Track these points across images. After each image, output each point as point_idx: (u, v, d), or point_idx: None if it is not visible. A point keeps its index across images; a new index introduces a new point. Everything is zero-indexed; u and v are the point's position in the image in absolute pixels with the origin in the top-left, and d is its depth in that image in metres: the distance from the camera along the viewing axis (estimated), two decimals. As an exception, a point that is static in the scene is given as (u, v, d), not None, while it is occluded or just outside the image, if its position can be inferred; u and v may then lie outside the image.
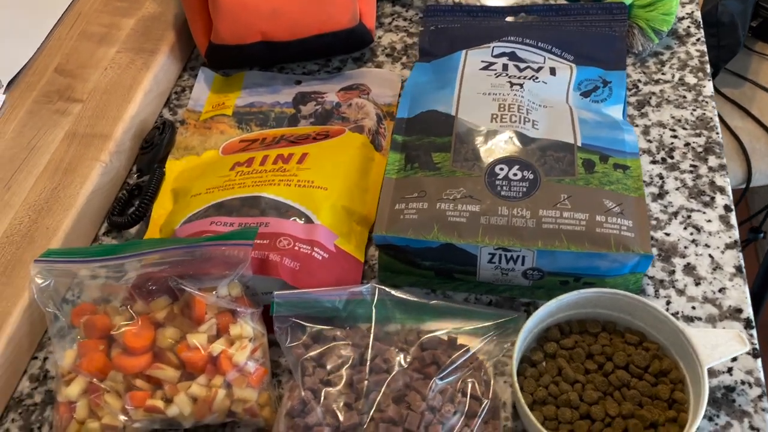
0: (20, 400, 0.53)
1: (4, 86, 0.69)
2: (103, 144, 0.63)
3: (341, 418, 0.46)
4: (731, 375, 0.50)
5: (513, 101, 0.60)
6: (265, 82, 0.73)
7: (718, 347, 0.47)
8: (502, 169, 0.55)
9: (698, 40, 0.74)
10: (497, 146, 0.56)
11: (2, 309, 0.52)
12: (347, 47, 0.74)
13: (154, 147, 0.65)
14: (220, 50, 0.70)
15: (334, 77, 0.73)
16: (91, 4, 0.77)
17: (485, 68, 0.64)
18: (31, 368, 0.54)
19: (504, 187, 0.54)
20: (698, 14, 0.77)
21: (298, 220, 0.54)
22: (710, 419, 0.48)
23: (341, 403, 0.47)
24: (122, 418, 0.47)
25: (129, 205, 0.64)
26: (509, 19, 0.72)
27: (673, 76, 0.70)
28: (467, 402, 0.46)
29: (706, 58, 0.72)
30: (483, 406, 0.46)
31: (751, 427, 0.48)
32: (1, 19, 0.75)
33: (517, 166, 0.55)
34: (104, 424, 0.47)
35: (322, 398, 0.47)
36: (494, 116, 0.59)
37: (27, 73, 0.70)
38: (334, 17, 0.69)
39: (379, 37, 0.77)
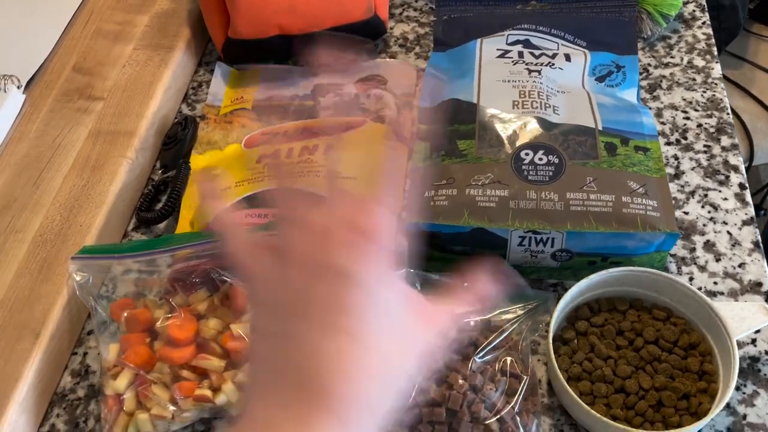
0: (63, 395, 0.54)
1: (23, 86, 0.69)
2: (128, 141, 0.64)
3: (386, 400, 0.47)
4: (755, 346, 0.52)
5: (533, 88, 0.61)
6: (282, 76, 0.73)
7: (745, 320, 0.49)
8: (527, 154, 0.56)
9: (704, 23, 0.75)
10: (521, 132, 0.58)
11: (43, 306, 0.53)
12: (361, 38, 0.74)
13: (177, 142, 0.66)
14: (237, 45, 0.71)
15: (349, 68, 0.74)
16: (103, 1, 0.77)
17: (501, 56, 0.66)
18: (72, 363, 0.55)
19: (531, 172, 0.55)
20: (703, -2, 0.78)
21: (330, 209, 0.55)
22: (737, 389, 0.50)
23: (384, 386, 0.48)
24: (171, 408, 0.48)
25: (155, 201, 0.64)
26: (520, 6, 0.73)
27: (682, 59, 0.72)
28: (507, 380, 0.48)
29: (713, 40, 0.74)
30: (522, 383, 0.48)
31: (777, 395, 0.50)
32: (14, 19, 0.75)
33: (542, 151, 0.56)
34: (153, 414, 0.48)
35: (365, 382, 0.48)
36: (515, 103, 0.60)
37: (45, 72, 0.71)
38: (350, 9, 0.70)
39: (391, 28, 0.78)
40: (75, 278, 0.52)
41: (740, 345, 0.52)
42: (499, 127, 0.58)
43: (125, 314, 0.51)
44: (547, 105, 0.60)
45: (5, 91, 0.67)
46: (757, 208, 1.03)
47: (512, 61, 0.65)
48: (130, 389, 0.49)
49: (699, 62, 0.71)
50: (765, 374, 0.51)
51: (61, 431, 0.52)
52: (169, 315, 0.50)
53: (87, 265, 0.53)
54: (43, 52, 0.72)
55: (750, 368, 0.51)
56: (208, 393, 0.48)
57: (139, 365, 0.49)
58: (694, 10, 0.77)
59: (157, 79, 0.69)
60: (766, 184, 1.00)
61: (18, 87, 0.68)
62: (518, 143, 0.57)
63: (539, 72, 0.63)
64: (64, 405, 0.53)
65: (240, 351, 0.49)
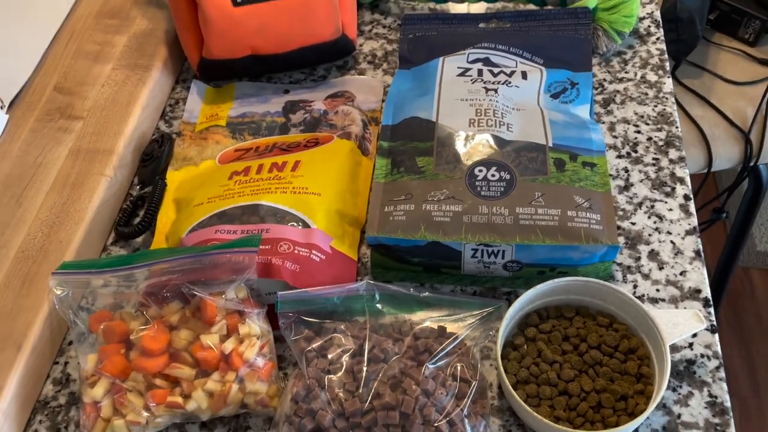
0: (46, 402, 0.57)
1: (6, 106, 0.72)
2: (106, 159, 0.67)
3: (344, 404, 0.51)
4: (692, 350, 0.56)
5: (489, 106, 0.65)
6: (255, 92, 0.77)
7: (679, 326, 0.53)
8: (481, 170, 0.60)
9: (658, 39, 0.79)
10: (476, 149, 0.61)
11: (25, 319, 0.57)
12: (331, 57, 0.78)
13: (154, 159, 0.69)
14: (211, 65, 0.74)
15: (319, 85, 0.77)
16: (83, 22, 0.80)
17: (462, 74, 0.69)
18: (53, 372, 0.59)
19: (483, 188, 0.59)
20: (658, 14, 0.82)
21: (296, 225, 0.59)
22: (674, 390, 0.54)
23: (343, 390, 0.52)
24: (145, 414, 0.51)
25: (134, 216, 0.68)
26: (482, 25, 0.77)
27: (636, 74, 0.76)
28: (457, 385, 0.52)
29: (666, 56, 0.77)
30: (471, 387, 0.52)
31: (710, 395, 0.54)
32: (-3, 40, 0.78)
33: (494, 168, 0.60)
34: (129, 420, 0.51)
35: (326, 385, 0.52)
36: (472, 121, 0.64)
37: (27, 93, 0.74)
38: (319, 31, 0.73)
39: (361, 45, 0.81)
40: (55, 293, 0.55)
41: (678, 349, 0.56)
42: (456, 144, 0.62)
43: (102, 326, 0.54)
44: (502, 123, 0.63)
45: (-11, 112, 0.70)
46: (719, 210, 1.07)
47: (471, 80, 0.68)
48: (107, 397, 0.52)
49: (652, 77, 0.75)
50: (699, 376, 0.55)
51: (44, 436, 0.55)
52: (144, 327, 0.54)
53: (67, 281, 0.56)
54: (25, 73, 0.75)
55: (686, 370, 0.55)
56: (179, 400, 0.51)
57: (115, 374, 0.52)
58: (649, 26, 0.80)
59: (135, 98, 0.72)
60: (726, 188, 1.04)
61: (1, 107, 0.71)
62: (473, 160, 0.60)
63: (496, 90, 0.67)
64: (46, 412, 0.56)
65: (209, 360, 0.52)
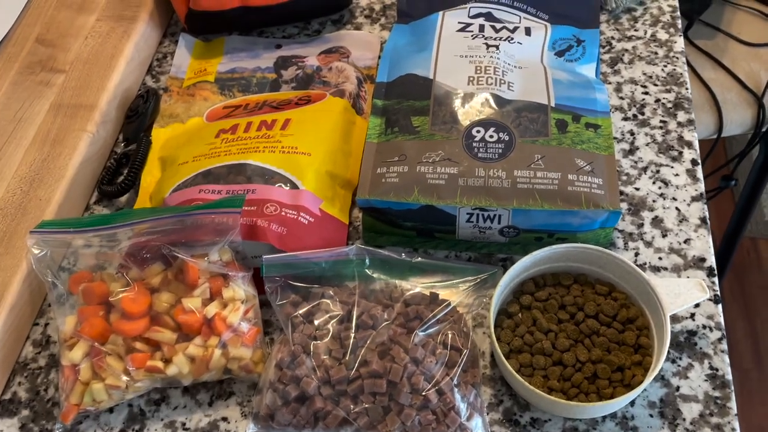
0: (25, 364, 0.55)
1: (-14, 58, 0.69)
2: (89, 114, 0.64)
3: (330, 371, 0.49)
4: (693, 320, 0.54)
5: (489, 63, 0.61)
6: (246, 47, 0.74)
7: (681, 295, 0.51)
8: (478, 131, 0.57)
9: (671, -5, 0.75)
10: (474, 109, 0.58)
11: (2, 279, 0.55)
12: (326, 9, 0.74)
13: (139, 116, 0.66)
14: (199, 16, 0.71)
15: (314, 40, 0.74)
16: (67, -30, 0.76)
17: (462, 29, 0.66)
18: (33, 334, 0.57)
19: (481, 149, 0.56)
20: (671, -32, 0.78)
21: (283, 186, 0.56)
22: (673, 362, 0.52)
23: (329, 357, 0.50)
24: (124, 378, 0.50)
25: (118, 174, 0.65)
26: (485, -22, 0.72)
27: (646, 33, 0.72)
28: (447, 353, 0.50)
29: (678, 13, 0.74)
30: (462, 355, 0.50)
31: (711, 368, 0.52)
32: (-23, -11, 0.75)
33: (493, 128, 0.57)
34: (108, 384, 0.50)
35: (312, 351, 0.50)
36: (471, 79, 0.60)
37: (8, 44, 0.71)
38: (312, -19, 0.69)
39: (358, -2, 0.78)
40: (33, 252, 0.53)
41: (678, 319, 0.54)
42: (453, 103, 0.59)
43: (82, 287, 0.52)
44: (502, 81, 0.60)
45: (-33, 64, 0.67)
46: (728, 178, 1.04)
47: (471, 35, 0.65)
48: (86, 360, 0.51)
49: (662, 35, 0.71)
50: (700, 348, 0.52)
51: (23, 399, 0.54)
52: (124, 289, 0.52)
53: (45, 240, 0.54)
54: (6, 23, 0.72)
55: (687, 342, 0.53)
56: (159, 364, 0.50)
57: (94, 337, 0.51)
58: (661, -19, 0.76)
59: (120, 51, 0.69)
60: (736, 155, 1.01)
61: (-20, 59, 0.68)
62: (470, 120, 0.57)
63: (497, 47, 0.63)
64: (25, 374, 0.55)
65: (191, 324, 0.51)
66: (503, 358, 0.49)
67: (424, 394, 0.48)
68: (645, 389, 0.50)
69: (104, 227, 0.54)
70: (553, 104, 0.59)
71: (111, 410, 0.52)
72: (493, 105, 0.58)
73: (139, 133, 0.66)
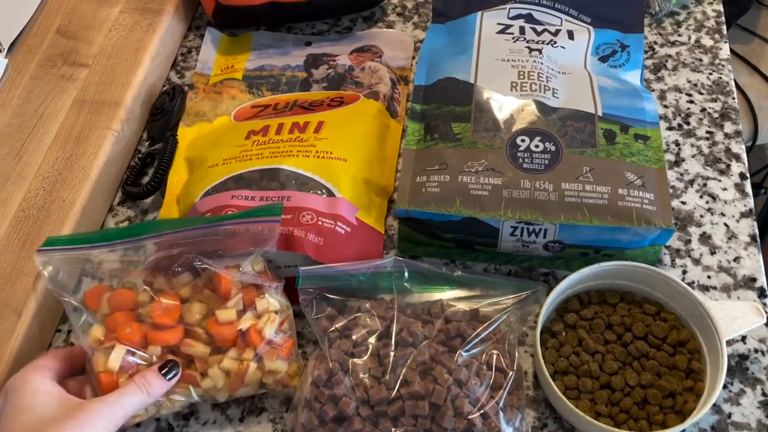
0: (47, 373, 0.53)
1: (5, 50, 0.66)
2: (113, 111, 0.62)
3: (369, 391, 0.47)
4: (745, 343, 0.52)
5: (532, 68, 0.59)
6: (275, 44, 0.71)
7: (736, 320, 0.48)
8: (523, 140, 0.54)
9: (715, -1, 0.72)
10: (518, 116, 0.56)
11: (25, 284, 0.52)
12: (357, 6, 0.72)
13: (165, 114, 0.64)
14: (228, 11, 0.68)
15: (344, 38, 0.71)
16: (89, -41, 0.73)
17: (502, 31, 0.63)
18: (56, 341, 0.55)
19: (526, 160, 0.53)
20: (715, -29, 0.75)
21: (319, 193, 0.54)
22: (724, 387, 0.50)
23: (368, 376, 0.48)
24: None
25: (142, 174, 0.63)
26: (524, -23, 0.70)
27: (690, 38, 0.69)
28: (492, 375, 0.48)
29: (723, 18, 0.71)
30: (508, 378, 0.48)
31: (764, 394, 0.49)
32: (-5, -24, 0.72)
33: (538, 138, 0.54)
34: None
35: (350, 369, 0.48)
36: (514, 84, 0.58)
37: (27, 36, 0.68)
38: (346, -24, 0.67)
39: (389, -5, 0.75)
40: (44, 274, 0.49)
41: (729, 342, 0.52)
42: (495, 110, 0.56)
43: (107, 295, 0.50)
44: (547, 87, 0.58)
45: (-14, 56, 0.64)
46: (758, 186, 1.02)
47: (513, 38, 0.62)
48: (122, 372, 0.48)
49: (707, 41, 0.69)
50: (753, 373, 0.50)
51: (45, 410, 0.51)
52: (152, 298, 0.49)
53: (61, 257, 0.50)
54: (26, 14, 0.69)
55: (738, 366, 0.51)
56: (196, 374, 0.47)
57: (136, 344, 0.47)
58: (705, -15, 0.73)
59: (145, 45, 0.66)
60: (766, 164, 0.99)
61: (0, 51, 0.66)
62: (515, 128, 0.55)
63: (540, 51, 0.61)
64: (48, 383, 0.53)
65: (226, 336, 0.48)
66: (551, 381, 0.47)
67: (469, 418, 0.46)
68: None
69: (132, 239, 0.50)
70: (600, 113, 0.56)
71: (138, 425, 0.50)
72: (538, 113, 0.56)
73: (164, 131, 0.63)
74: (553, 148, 0.54)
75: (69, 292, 0.49)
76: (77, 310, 0.49)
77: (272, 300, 0.50)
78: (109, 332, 0.49)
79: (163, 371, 0.46)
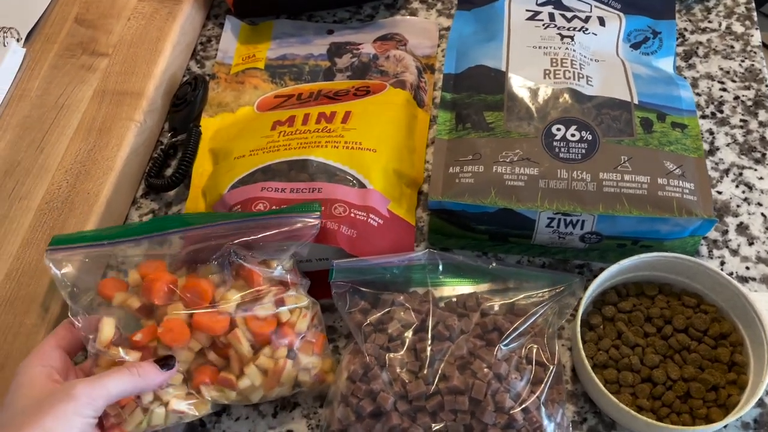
0: (75, 369, 0.52)
1: (23, 39, 0.65)
2: (136, 102, 0.61)
3: (407, 386, 0.46)
4: (786, 335, 0.51)
5: (565, 55, 0.58)
6: (296, 32, 0.70)
7: (780, 311, 0.47)
8: (558, 129, 0.53)
9: (745, -16, 0.71)
10: (552, 105, 0.55)
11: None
12: (380, -7, 0.70)
13: (188, 104, 0.63)
14: (249, -1, 0.67)
15: (367, 26, 0.70)
16: (105, -54, 0.72)
17: (532, 18, 0.62)
18: (82, 337, 0.54)
19: (562, 149, 0.52)
20: (745, -44, 0.73)
21: (350, 185, 0.53)
22: (766, 379, 0.49)
23: (405, 371, 0.47)
24: (186, 401, 0.46)
25: (165, 166, 0.62)
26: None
27: (720, 24, 0.68)
28: (533, 368, 0.47)
29: (753, 4, 0.70)
30: (549, 372, 0.47)
31: (807, 387, 0.48)
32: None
33: (574, 126, 0.53)
34: (172, 410, 0.45)
35: (387, 363, 0.47)
36: (547, 72, 0.57)
37: (45, 25, 0.66)
38: (371, -37, 0.65)
39: (412, -18, 0.73)
40: (57, 274, 0.47)
41: (771, 334, 0.51)
42: (529, 98, 0.55)
43: (143, 281, 0.47)
44: (581, 75, 0.56)
45: (5, 45, 0.63)
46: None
47: (543, 25, 0.61)
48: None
49: (738, 28, 0.67)
50: (795, 365, 0.49)
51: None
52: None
53: (83, 256, 0.48)
54: (43, 2, 0.67)
55: (780, 359, 0.50)
56: (232, 377, 0.46)
57: (178, 341, 0.46)
58: (734, -30, 0.72)
59: (165, 34, 0.65)
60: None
61: (17, 40, 0.64)
62: (549, 117, 0.54)
63: (572, 38, 0.59)
64: (75, 379, 0.52)
65: (264, 333, 0.47)
66: (592, 375, 0.46)
67: (510, 413, 0.45)
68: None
69: (158, 233, 0.49)
70: (636, 101, 0.55)
71: (169, 422, 0.49)
72: (573, 101, 0.55)
73: (187, 122, 0.62)
74: (589, 137, 0.53)
75: (78, 293, 0.47)
76: (87, 304, 0.47)
77: (301, 296, 0.49)
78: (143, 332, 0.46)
79: (160, 363, 0.45)
